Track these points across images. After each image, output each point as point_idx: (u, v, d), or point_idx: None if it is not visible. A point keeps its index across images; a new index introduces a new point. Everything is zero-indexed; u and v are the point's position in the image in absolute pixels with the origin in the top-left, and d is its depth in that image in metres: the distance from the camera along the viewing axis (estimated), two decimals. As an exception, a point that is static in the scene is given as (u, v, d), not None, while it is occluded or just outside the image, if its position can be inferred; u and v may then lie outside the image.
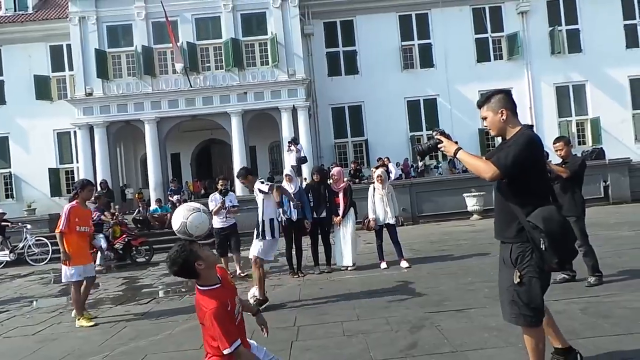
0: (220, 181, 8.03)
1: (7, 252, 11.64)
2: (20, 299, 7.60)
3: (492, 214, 11.92)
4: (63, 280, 5.65)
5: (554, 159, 5.83)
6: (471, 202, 13.31)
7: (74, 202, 5.66)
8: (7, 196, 20.24)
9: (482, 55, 20.80)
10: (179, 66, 17.54)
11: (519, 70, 20.64)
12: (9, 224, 12.33)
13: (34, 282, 9.11)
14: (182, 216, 2.59)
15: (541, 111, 20.70)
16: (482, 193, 13.31)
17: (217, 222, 7.73)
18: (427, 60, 20.88)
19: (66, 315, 5.78)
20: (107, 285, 8.25)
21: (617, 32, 20.42)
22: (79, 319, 5.39)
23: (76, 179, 19.99)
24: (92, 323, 5.38)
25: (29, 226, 12.21)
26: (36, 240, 11.77)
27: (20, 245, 11.91)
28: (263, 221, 5.64)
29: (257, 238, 5.69)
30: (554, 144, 5.58)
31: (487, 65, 20.65)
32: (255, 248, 5.66)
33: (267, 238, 5.63)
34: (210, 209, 7.58)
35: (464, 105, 20.62)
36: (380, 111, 20.43)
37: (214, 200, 7.85)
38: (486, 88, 20.64)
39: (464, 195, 13.39)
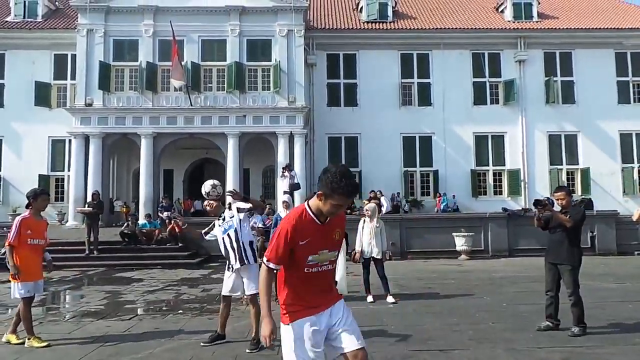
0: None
1: (-13, 256, 11.41)
2: (-2, 306, 7.45)
3: (480, 255, 12.01)
4: (12, 297, 5.18)
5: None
6: (460, 242, 13.39)
7: (26, 213, 5.22)
8: (-7, 199, 20.00)
9: (479, 98, 21.33)
10: (176, 83, 17.78)
11: (514, 116, 21.15)
12: (-8, 228, 12.16)
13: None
14: None
15: (533, 157, 21.10)
16: (471, 234, 13.43)
17: None
18: (425, 98, 21.36)
19: (45, 326, 5.66)
20: (89, 298, 8.12)
21: (610, 87, 21.12)
22: (29, 339, 5.02)
23: (66, 187, 19.89)
24: (43, 344, 4.96)
25: (13, 231, 12.02)
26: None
27: (2, 250, 11.69)
28: (243, 244, 5.01)
29: (244, 264, 4.99)
30: (555, 192, 5.68)
31: (483, 108, 21.15)
32: (255, 282, 4.82)
33: (257, 262, 5.00)
34: None
35: (459, 145, 21.01)
36: (376, 144, 20.71)
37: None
38: (481, 130, 21.15)
39: (454, 234, 13.48)
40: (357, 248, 7.51)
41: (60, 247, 12.33)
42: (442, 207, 19.60)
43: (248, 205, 5.09)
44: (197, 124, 18.51)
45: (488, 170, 21.37)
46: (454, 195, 20.41)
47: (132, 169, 21.64)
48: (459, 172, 20.80)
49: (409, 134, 21.17)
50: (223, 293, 5.18)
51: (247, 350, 4.75)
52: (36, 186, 19.65)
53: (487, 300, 7.43)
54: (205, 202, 5.29)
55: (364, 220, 7.66)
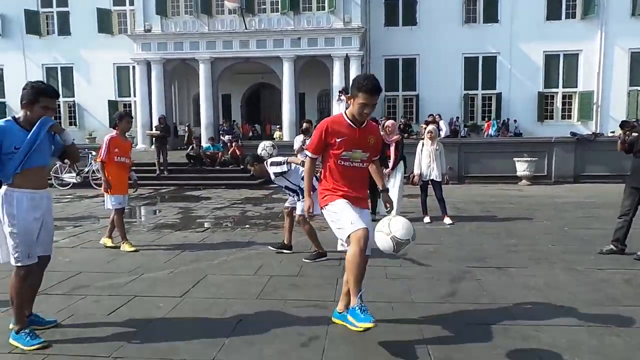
0: (304, 124, 8.64)
1: (74, 174, 12.69)
2: (89, 217, 8.38)
3: (542, 181, 11.71)
4: (106, 207, 5.86)
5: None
6: (521, 167, 13.02)
7: (113, 133, 5.75)
8: (70, 124, 21.56)
9: (553, 12, 19.45)
10: (230, 5, 17.56)
11: (592, 32, 19.22)
12: (76, 149, 13.30)
13: (99, 203, 9.89)
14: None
15: (610, 78, 19.39)
16: (534, 159, 12.97)
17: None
18: (491, 14, 19.78)
19: (131, 235, 6.30)
20: (165, 212, 8.93)
21: None
22: (123, 244, 5.73)
23: (133, 112, 20.97)
24: (132, 249, 5.64)
25: (93, 152, 13.08)
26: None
27: (86, 169, 12.92)
28: (299, 186, 5.24)
29: (298, 200, 5.34)
30: None
31: (556, 24, 19.34)
32: (299, 208, 5.31)
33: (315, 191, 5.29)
34: (295, 149, 8.05)
35: (526, 66, 19.64)
36: (435, 66, 19.80)
37: (298, 141, 8.26)
38: (553, 49, 19.52)
39: (515, 159, 13.09)
40: (416, 171, 7.58)
41: (133, 168, 13.26)
42: (491, 132, 18.88)
43: (280, 169, 5.20)
44: (252, 48, 18.45)
45: (557, 92, 20.00)
46: (515, 120, 19.50)
47: (192, 94, 22.29)
48: (524, 95, 19.65)
49: (472, 54, 19.97)
50: (285, 206, 5.66)
51: (304, 259, 5.18)
52: (107, 112, 21.02)
53: (547, 224, 7.37)
54: (249, 167, 5.60)
55: (423, 144, 7.65)
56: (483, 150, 13.77)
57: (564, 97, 20.00)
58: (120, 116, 5.82)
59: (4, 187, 3.05)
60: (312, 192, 5.08)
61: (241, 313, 3.64)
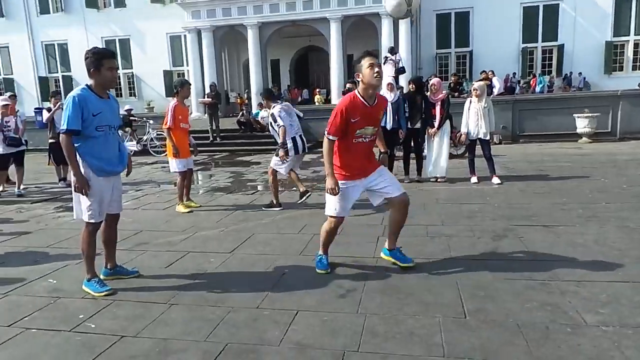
0: (347, 84, 8.75)
1: (134, 142, 13.48)
2: (149, 182, 8.98)
3: (605, 138, 11.17)
4: (171, 171, 6.26)
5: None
6: (582, 124, 12.26)
7: (174, 101, 5.97)
8: (130, 94, 22.67)
9: (626, -50, 17.61)
10: None
11: (672, -31, 17.25)
12: (135, 118, 14.10)
13: (158, 169, 10.58)
14: None
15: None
16: (596, 114, 12.15)
17: None
18: (554, -43, 18.23)
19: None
20: (218, 177, 9.39)
21: None
22: (178, 204, 6.15)
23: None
24: (187, 210, 6.03)
25: (151, 121, 13.80)
26: (157, 134, 13.34)
27: (145, 137, 13.68)
28: (291, 139, 5.94)
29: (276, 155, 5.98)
30: None
31: (630, -37, 17.53)
32: (274, 161, 6.00)
33: (291, 154, 5.94)
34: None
35: (592, 13, 18.10)
36: (491, 19, 18.71)
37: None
38: (624, -8, 17.77)
39: (575, 115, 12.33)
40: (463, 129, 7.40)
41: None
42: (537, 88, 17.71)
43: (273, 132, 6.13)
44: (298, 10, 18.26)
45: (628, 40, 18.34)
46: (580, 73, 18.19)
47: (241, 61, 22.59)
48: (589, 45, 18.20)
49: (531, 3, 18.65)
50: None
51: (262, 207, 6.09)
52: (162, 82, 21.74)
53: (605, 182, 7.02)
54: (255, 125, 6.28)
55: (470, 101, 7.42)
56: (538, 107, 13.06)
57: (635, 45, 18.31)
58: (182, 83, 6.04)
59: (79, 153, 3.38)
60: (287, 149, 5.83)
61: (285, 268, 3.88)
